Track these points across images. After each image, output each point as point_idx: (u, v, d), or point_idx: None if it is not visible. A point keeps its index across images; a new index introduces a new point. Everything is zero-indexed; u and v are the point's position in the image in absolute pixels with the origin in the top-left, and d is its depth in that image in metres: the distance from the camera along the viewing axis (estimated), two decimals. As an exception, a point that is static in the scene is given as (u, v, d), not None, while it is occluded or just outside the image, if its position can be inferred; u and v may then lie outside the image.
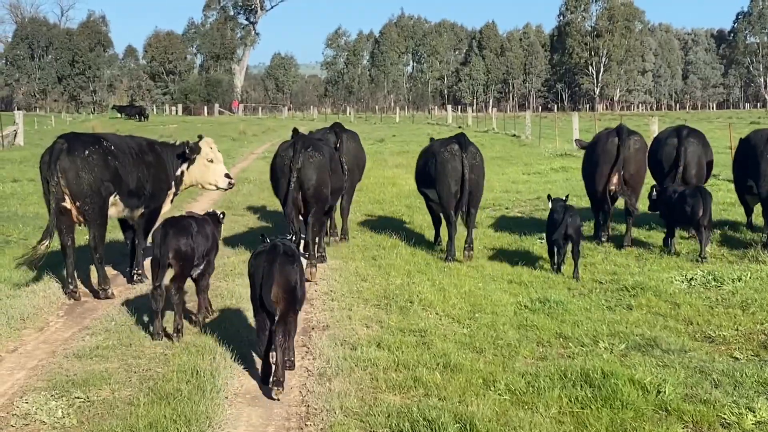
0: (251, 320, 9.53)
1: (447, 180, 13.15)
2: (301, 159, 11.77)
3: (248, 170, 29.30)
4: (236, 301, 10.28)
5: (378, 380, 7.53)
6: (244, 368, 8.06)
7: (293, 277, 7.44)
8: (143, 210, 11.78)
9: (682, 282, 11.28)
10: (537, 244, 14.29)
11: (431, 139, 15.00)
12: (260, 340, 7.62)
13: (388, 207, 19.47)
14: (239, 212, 18.85)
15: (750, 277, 11.27)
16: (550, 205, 12.47)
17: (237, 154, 38.15)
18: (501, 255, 13.67)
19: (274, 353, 7.39)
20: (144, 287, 11.24)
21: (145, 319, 9.55)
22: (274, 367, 7.40)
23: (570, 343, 8.70)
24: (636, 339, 8.76)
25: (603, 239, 14.67)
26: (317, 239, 12.83)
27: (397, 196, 21.20)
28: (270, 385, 7.43)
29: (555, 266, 12.41)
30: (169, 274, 8.91)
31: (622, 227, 14.94)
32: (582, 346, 8.58)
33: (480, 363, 7.97)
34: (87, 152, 10.68)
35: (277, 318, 7.35)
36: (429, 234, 15.56)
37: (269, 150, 36.86)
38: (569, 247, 12.20)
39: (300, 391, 7.50)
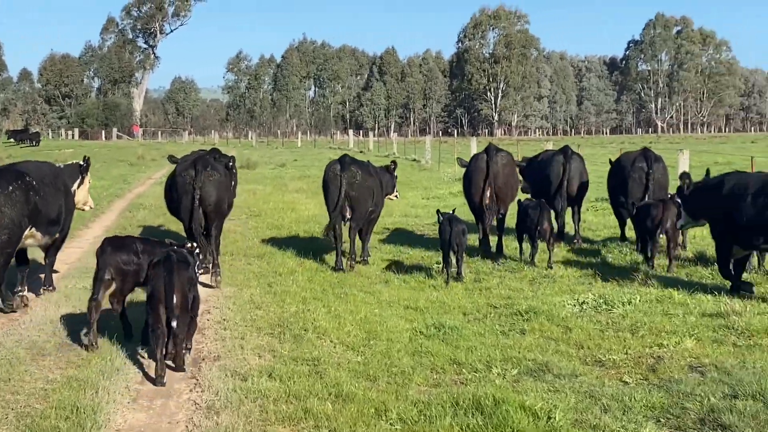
0: (137, 352, 9.23)
1: (330, 196, 14.90)
2: (202, 178, 13.00)
3: (144, 196, 28.64)
4: (120, 331, 9.92)
5: (268, 412, 7.33)
6: (128, 402, 7.75)
7: (188, 283, 8.44)
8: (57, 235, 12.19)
9: (574, 306, 11.38)
10: (435, 268, 14.29)
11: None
12: (156, 341, 8.32)
13: (286, 232, 19.25)
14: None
15: (639, 300, 11.45)
16: (439, 219, 13.83)
17: (134, 179, 37.36)
18: (398, 280, 13.62)
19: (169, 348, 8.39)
20: (27, 318, 10.80)
21: (22, 353, 9.14)
22: (158, 364, 8.29)
23: (464, 369, 8.65)
24: (528, 364, 8.76)
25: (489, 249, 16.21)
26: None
27: (296, 222, 21.00)
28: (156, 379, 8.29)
29: (447, 275, 13.39)
30: (110, 289, 9.50)
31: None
32: (475, 372, 8.53)
33: (373, 392, 7.84)
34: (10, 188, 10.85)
35: (175, 318, 8.28)
36: (328, 260, 15.43)
37: (167, 175, 36.24)
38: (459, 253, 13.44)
39: (186, 426, 7.24)
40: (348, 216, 14.81)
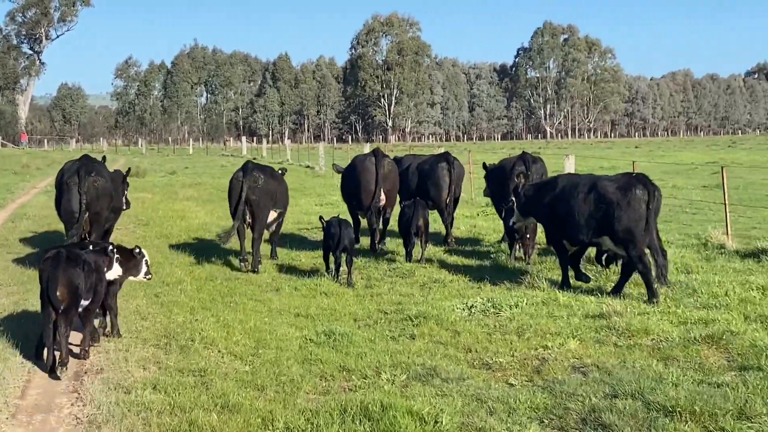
0: (20, 365, 8.95)
1: (231, 200, 15.61)
2: (86, 184, 14.10)
3: (28, 206, 27.71)
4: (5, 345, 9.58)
5: (151, 425, 7.17)
6: (6, 418, 7.48)
7: (75, 278, 8.73)
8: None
9: (463, 309, 11.51)
10: (324, 278, 14.27)
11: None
12: (46, 332, 8.72)
13: (175, 241, 18.90)
14: (15, 250, 17.72)
15: (526, 303, 11.65)
16: (323, 225, 14.53)
17: (18, 188, 36.17)
18: (289, 287, 13.55)
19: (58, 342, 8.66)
20: None
21: None
22: (58, 354, 8.65)
23: (353, 376, 8.65)
24: (417, 369, 8.81)
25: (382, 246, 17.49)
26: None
27: (186, 230, 20.65)
28: (57, 367, 8.61)
29: (333, 273, 14.09)
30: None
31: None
32: (365, 378, 8.54)
33: (260, 402, 7.76)
34: None
35: (60, 311, 8.62)
36: (216, 270, 15.26)
37: (53, 184, 35.26)
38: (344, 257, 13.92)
39: (67, 442, 7.03)
40: (249, 220, 15.43)
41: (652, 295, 11.80)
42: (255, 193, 15.31)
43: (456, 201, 18.50)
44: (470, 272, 14.52)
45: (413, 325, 10.78)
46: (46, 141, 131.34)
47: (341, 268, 14.13)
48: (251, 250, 15.32)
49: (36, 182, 41.02)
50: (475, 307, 11.56)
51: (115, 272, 10.11)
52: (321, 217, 14.89)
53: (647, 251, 12.24)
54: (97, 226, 14.75)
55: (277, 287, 13.73)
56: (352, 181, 17.47)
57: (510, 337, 10.08)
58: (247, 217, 15.38)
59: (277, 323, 11.08)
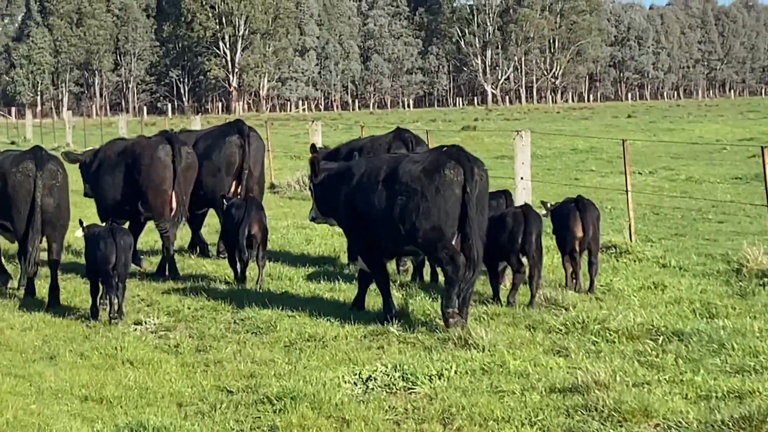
0: None
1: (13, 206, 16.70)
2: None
3: None
4: None
5: None
6: None
7: None
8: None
9: (355, 384, 11.53)
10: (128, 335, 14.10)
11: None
12: None
13: None
14: None
15: (456, 372, 11.66)
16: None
17: None
18: (72, 352, 13.53)
19: None
20: None
21: None
22: None
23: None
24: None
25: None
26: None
27: None
28: None
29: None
30: None
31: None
32: None
33: None
34: None
35: None
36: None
37: None
38: None
39: None
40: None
41: (446, 316, 13.43)
42: (53, 196, 16.64)
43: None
44: (364, 319, 14.47)
45: (274, 412, 10.74)
46: None
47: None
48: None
49: None
50: (374, 379, 11.58)
51: None
52: (81, 221, 15.95)
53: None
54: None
55: (51, 353, 13.60)
56: (104, 176, 19.31)
57: (431, 427, 10.03)
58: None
59: (53, 413, 10.95)
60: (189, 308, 15.63)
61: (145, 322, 14.89)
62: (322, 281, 17.36)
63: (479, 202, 13.41)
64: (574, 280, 16.06)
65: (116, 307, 14.88)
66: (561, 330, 13.63)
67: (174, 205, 18.44)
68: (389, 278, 14.45)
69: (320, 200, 15.78)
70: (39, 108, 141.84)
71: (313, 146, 19.95)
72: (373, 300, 15.20)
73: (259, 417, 10.64)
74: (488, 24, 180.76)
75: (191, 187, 19.02)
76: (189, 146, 19.23)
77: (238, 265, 17.27)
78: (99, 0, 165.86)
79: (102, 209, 19.14)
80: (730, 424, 9.65)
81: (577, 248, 15.99)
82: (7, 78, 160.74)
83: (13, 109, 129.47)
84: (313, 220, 16.82)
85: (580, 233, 15.83)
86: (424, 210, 13.25)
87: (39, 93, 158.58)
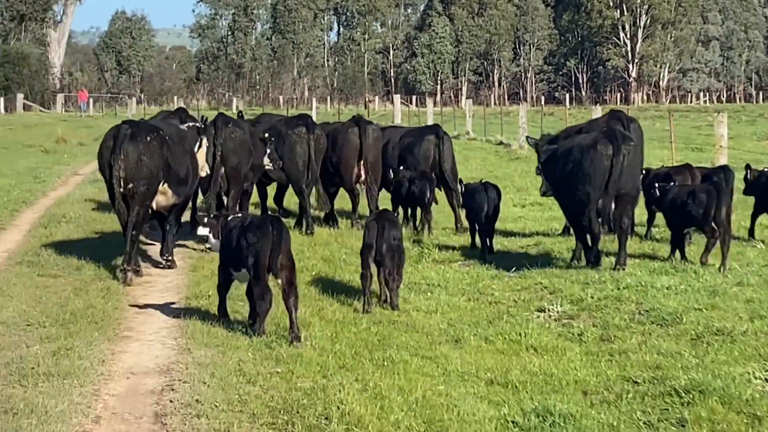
0: None
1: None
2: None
3: (68, 202, 28.58)
4: None
5: None
6: None
7: None
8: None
9: (767, 381, 11.32)
10: (531, 323, 14.25)
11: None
12: None
13: (297, 257, 19.19)
14: (51, 271, 18.16)
15: None
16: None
17: (51, 175, 37.34)
18: (476, 337, 13.72)
19: None
20: None
21: None
22: None
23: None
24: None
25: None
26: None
27: (310, 241, 21.02)
28: None
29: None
30: None
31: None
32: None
33: None
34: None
35: None
36: (359, 306, 15.39)
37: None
38: None
39: None
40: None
41: None
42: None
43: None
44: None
45: (682, 404, 10.68)
46: (92, 101, 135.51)
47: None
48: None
49: (77, 165, 42.19)
50: (787, 377, 11.34)
51: None
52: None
53: None
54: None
55: (456, 336, 13.84)
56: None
57: None
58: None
59: (459, 394, 11.16)
60: (592, 297, 15.62)
61: (548, 310, 14.97)
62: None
63: (629, 168, 17.28)
64: None
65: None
66: None
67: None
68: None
69: (546, 176, 19.45)
70: (439, 96, 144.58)
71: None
72: None
73: (667, 409, 10.59)
74: None
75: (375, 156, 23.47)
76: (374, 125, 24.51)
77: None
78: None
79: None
80: None
81: None
82: (409, 67, 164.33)
83: (414, 97, 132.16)
84: (543, 194, 20.28)
85: None
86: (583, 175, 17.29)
87: (439, 82, 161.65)
